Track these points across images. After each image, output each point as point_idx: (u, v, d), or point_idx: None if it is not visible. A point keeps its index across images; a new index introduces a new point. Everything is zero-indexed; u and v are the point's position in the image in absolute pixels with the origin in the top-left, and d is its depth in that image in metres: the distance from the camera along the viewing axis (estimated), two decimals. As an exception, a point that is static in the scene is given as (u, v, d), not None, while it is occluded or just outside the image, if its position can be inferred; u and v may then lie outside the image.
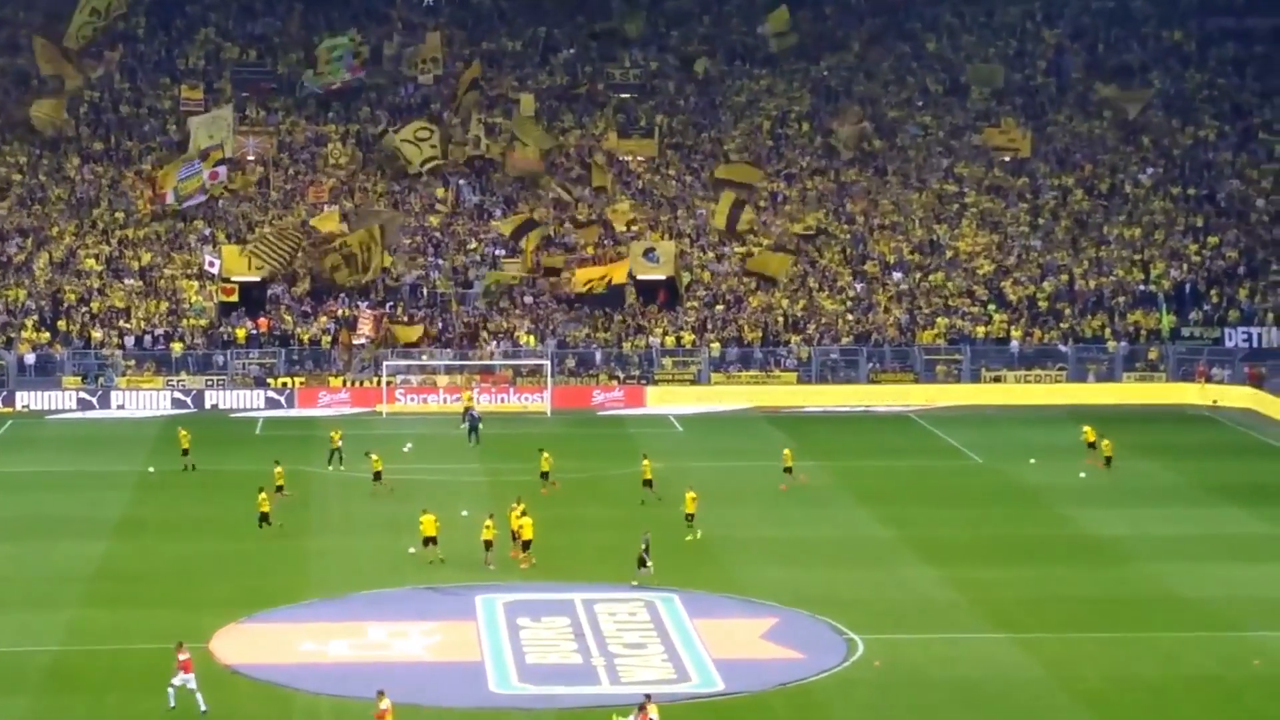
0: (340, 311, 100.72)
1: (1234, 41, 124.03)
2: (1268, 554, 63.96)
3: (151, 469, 77.53)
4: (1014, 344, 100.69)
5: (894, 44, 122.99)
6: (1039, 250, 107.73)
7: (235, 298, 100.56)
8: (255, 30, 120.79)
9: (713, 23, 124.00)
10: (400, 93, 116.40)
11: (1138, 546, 64.49)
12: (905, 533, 66.34)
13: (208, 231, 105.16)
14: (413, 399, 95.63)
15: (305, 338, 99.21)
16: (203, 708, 45.55)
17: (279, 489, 68.74)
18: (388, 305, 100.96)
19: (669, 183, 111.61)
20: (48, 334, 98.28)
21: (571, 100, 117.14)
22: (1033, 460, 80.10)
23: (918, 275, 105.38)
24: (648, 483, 70.48)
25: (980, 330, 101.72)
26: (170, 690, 45.61)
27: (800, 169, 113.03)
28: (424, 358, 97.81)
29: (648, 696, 43.84)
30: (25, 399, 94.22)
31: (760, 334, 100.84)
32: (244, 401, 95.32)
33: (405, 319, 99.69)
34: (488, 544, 59.91)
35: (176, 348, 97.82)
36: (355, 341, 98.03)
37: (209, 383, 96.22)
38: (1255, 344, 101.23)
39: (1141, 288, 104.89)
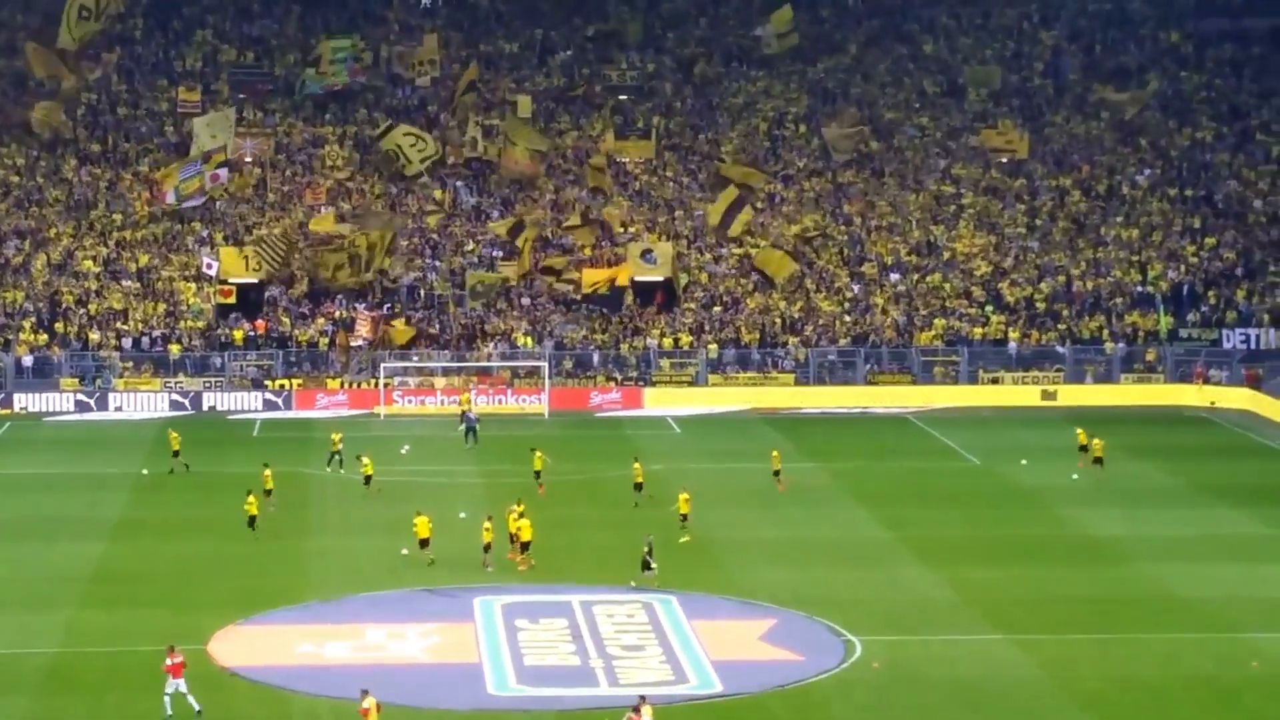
0: (338, 313, 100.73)
1: (1231, 43, 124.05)
2: (1265, 555, 64.00)
3: (145, 471, 77.52)
4: (1012, 345, 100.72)
5: (891, 46, 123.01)
6: (1036, 251, 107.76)
7: (233, 299, 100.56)
8: (253, 32, 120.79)
9: (710, 24, 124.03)
10: (398, 94, 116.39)
11: (1135, 547, 64.51)
12: (903, 534, 66.36)
13: (205, 233, 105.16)
14: (410, 401, 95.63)
15: (303, 339, 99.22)
16: (196, 708, 45.52)
17: (268, 492, 68.64)
18: (385, 307, 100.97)
19: (666, 184, 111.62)
20: (45, 336, 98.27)
21: (569, 102, 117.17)
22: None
23: (915, 276, 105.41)
24: (638, 486, 70.46)
25: (978, 331, 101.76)
26: (166, 699, 45.56)
27: (797, 170, 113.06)
28: (417, 359, 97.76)
29: (642, 698, 43.84)
30: (23, 401, 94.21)
31: (758, 335, 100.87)
32: (242, 403, 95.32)
33: (402, 320, 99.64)
34: (486, 546, 59.92)
35: (174, 349, 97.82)
36: (353, 343, 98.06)
37: (207, 384, 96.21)
38: (1253, 345, 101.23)
39: (1139, 289, 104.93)
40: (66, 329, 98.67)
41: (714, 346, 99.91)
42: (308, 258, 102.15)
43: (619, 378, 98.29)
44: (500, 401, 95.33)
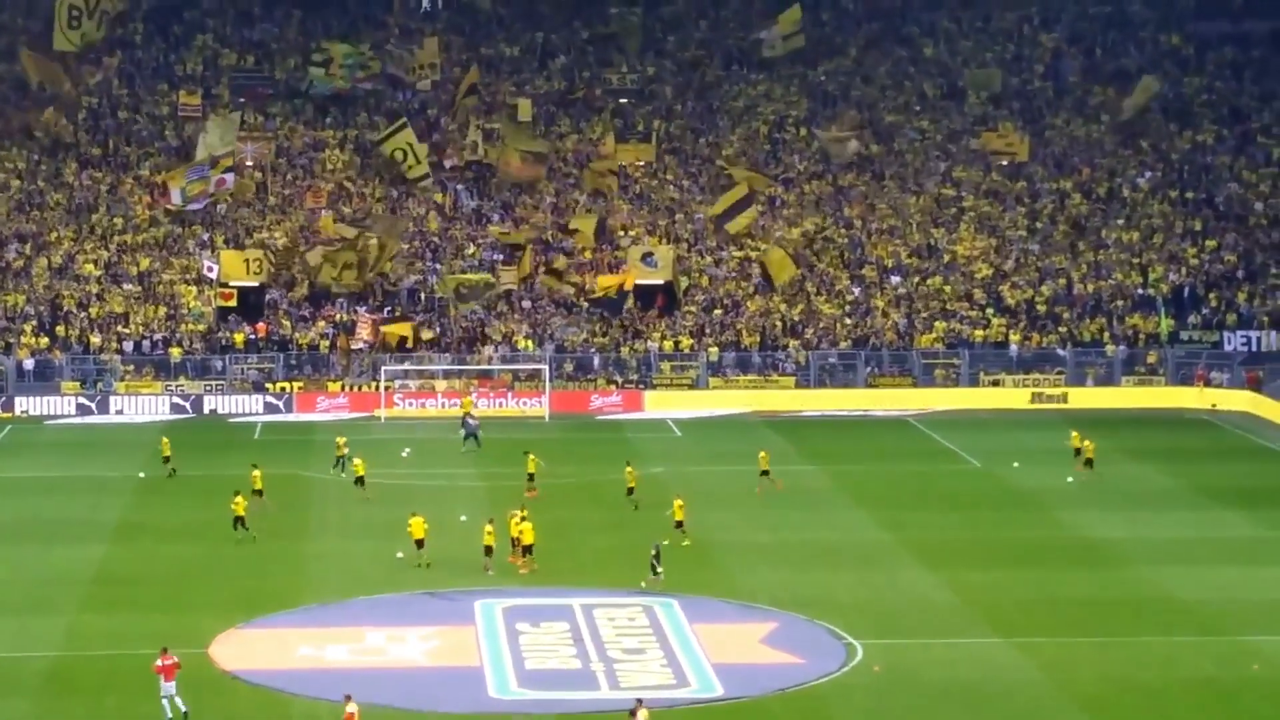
0: (338, 316, 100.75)
1: (1231, 45, 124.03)
2: (1266, 557, 63.98)
3: (142, 474, 77.52)
4: (1012, 348, 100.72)
5: (891, 49, 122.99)
6: (1037, 254, 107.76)
7: (233, 303, 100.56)
8: (253, 36, 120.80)
9: (710, 28, 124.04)
10: (398, 98, 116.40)
11: (1136, 550, 64.51)
12: (903, 536, 66.36)
13: (206, 236, 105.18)
14: (411, 404, 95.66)
15: (304, 342, 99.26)
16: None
17: (257, 492, 68.62)
18: (385, 310, 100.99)
19: (667, 187, 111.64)
20: (46, 339, 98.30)
21: (569, 105, 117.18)
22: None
23: (916, 279, 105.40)
24: (630, 490, 70.45)
25: (978, 334, 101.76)
26: (164, 703, 45.57)
27: (798, 173, 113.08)
28: (416, 361, 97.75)
29: (639, 701, 43.88)
30: (24, 404, 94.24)
31: (758, 338, 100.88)
32: (243, 406, 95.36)
33: (409, 324, 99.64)
34: (488, 549, 59.91)
35: (175, 353, 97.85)
36: (354, 346, 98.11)
37: (208, 388, 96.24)
38: (1254, 348, 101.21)
39: (1140, 291, 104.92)
40: (68, 332, 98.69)
41: (714, 349, 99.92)
42: (317, 259, 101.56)
43: (619, 380, 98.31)
44: (501, 404, 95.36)
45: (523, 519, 61.06)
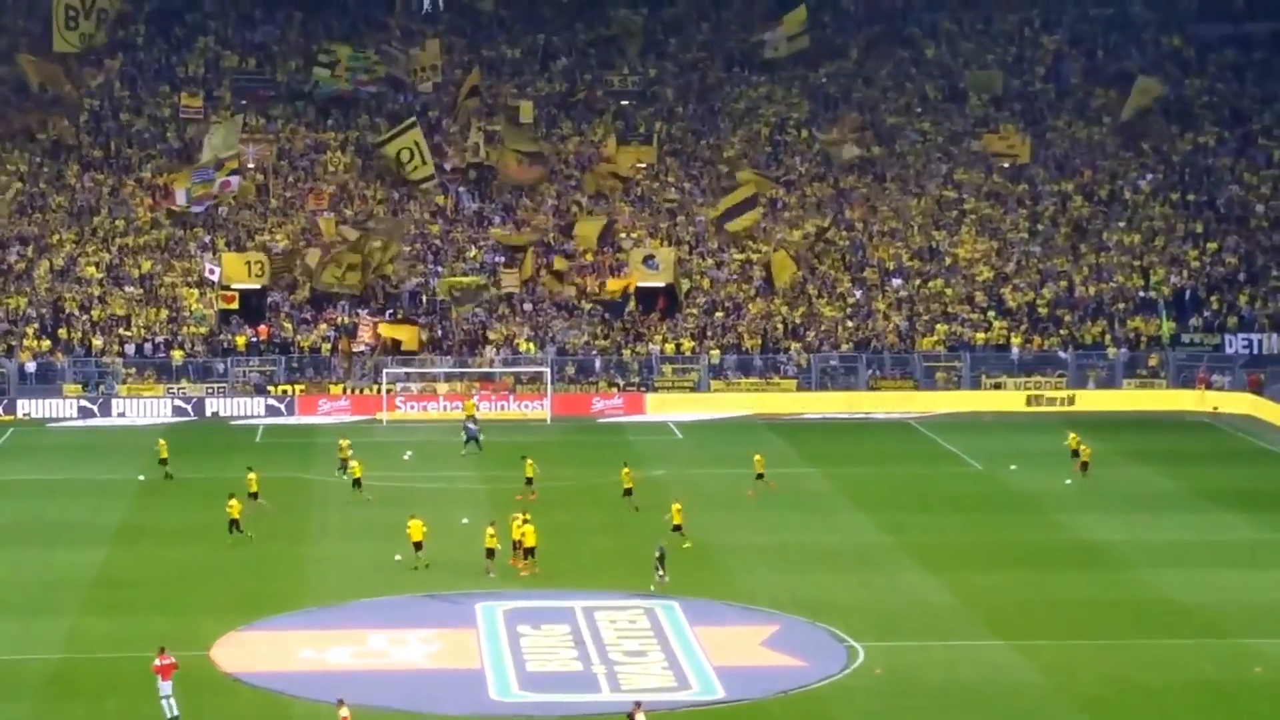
0: (340, 319, 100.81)
1: (1233, 47, 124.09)
2: (1266, 560, 64.02)
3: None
4: (1014, 351, 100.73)
5: (893, 50, 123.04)
6: (1038, 256, 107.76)
7: (235, 305, 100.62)
8: (255, 39, 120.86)
9: (711, 30, 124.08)
10: (399, 100, 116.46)
11: (1136, 552, 64.54)
12: (904, 539, 66.41)
13: (208, 239, 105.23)
14: (413, 406, 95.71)
15: (305, 345, 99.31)
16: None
17: (252, 495, 68.67)
18: (387, 313, 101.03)
19: (668, 189, 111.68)
20: (48, 342, 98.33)
21: (570, 107, 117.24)
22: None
23: (917, 282, 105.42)
24: (628, 492, 70.49)
25: (980, 337, 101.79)
26: (163, 703, 45.60)
27: (799, 175, 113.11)
28: (412, 364, 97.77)
29: (637, 704, 43.92)
30: (26, 407, 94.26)
31: (760, 341, 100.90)
32: (244, 409, 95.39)
33: (400, 320, 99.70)
34: (490, 552, 59.92)
35: (177, 355, 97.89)
36: (355, 349, 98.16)
37: (209, 390, 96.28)
38: (1255, 350, 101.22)
39: (1141, 294, 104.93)
40: (70, 335, 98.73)
41: (716, 352, 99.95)
42: (318, 261, 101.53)
43: (621, 383, 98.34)
44: (503, 407, 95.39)
45: (525, 521, 61.10)
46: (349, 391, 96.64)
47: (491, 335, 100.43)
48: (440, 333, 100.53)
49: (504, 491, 72.60)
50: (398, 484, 74.84)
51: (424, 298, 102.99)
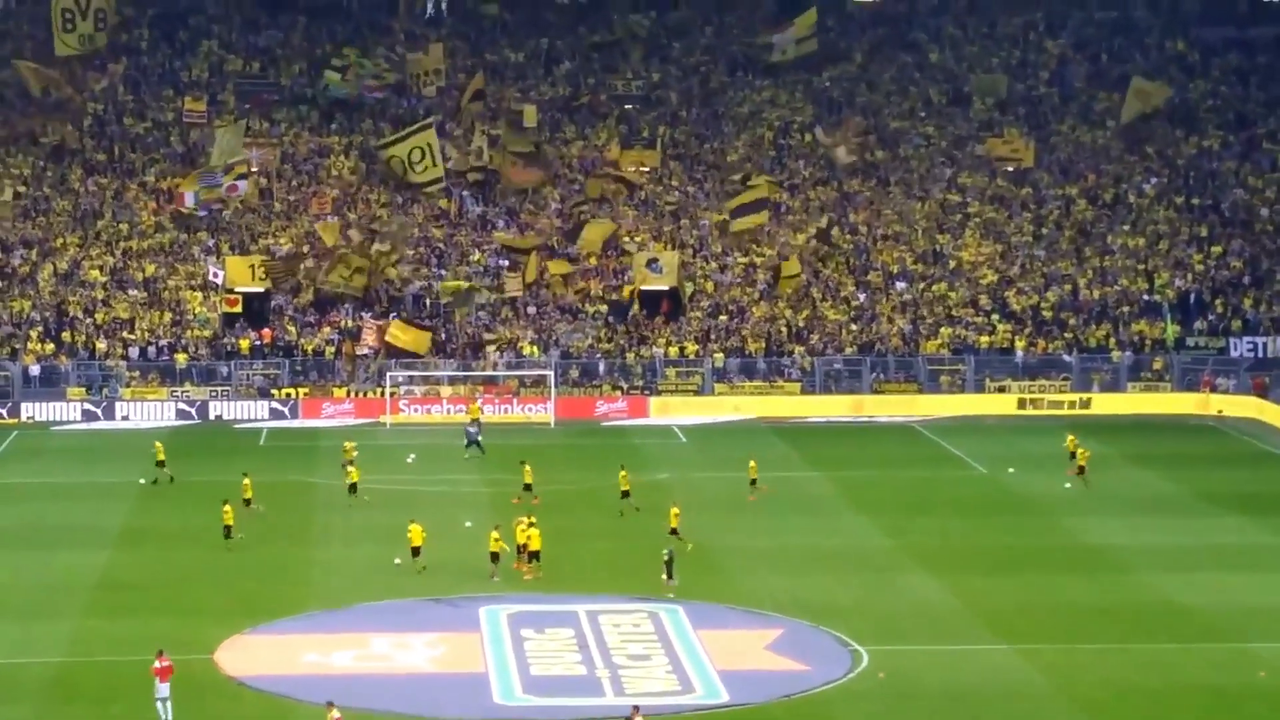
0: (344, 322, 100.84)
1: (1237, 51, 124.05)
2: (1269, 563, 64.00)
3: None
4: (1018, 354, 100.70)
5: (896, 55, 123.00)
6: (1043, 260, 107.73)
7: (239, 308, 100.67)
8: (259, 43, 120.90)
9: (715, 34, 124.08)
10: (403, 104, 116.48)
11: (1139, 556, 64.52)
12: (907, 542, 66.40)
13: (211, 243, 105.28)
14: (417, 410, 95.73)
15: (309, 348, 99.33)
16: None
17: (246, 501, 68.64)
18: (391, 316, 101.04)
19: (672, 193, 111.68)
20: (52, 345, 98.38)
21: (574, 111, 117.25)
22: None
23: (921, 285, 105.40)
24: (625, 494, 70.46)
25: (984, 340, 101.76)
26: (159, 705, 45.59)
27: (803, 179, 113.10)
28: (416, 367, 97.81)
29: (635, 708, 43.92)
30: (30, 410, 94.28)
31: (763, 344, 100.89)
32: (248, 412, 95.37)
33: (410, 322, 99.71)
34: (494, 555, 59.90)
35: (180, 359, 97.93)
36: (359, 352, 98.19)
37: (213, 393, 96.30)
38: (1260, 354, 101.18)
39: (1146, 297, 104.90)
40: (73, 338, 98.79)
41: (720, 355, 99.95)
42: (322, 264, 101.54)
43: (625, 387, 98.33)
44: (506, 410, 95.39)
45: (530, 524, 61.10)
46: (352, 395, 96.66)
47: (493, 337, 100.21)
48: (444, 336, 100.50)
49: (507, 495, 72.58)
50: (401, 487, 74.83)
51: (427, 301, 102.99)
